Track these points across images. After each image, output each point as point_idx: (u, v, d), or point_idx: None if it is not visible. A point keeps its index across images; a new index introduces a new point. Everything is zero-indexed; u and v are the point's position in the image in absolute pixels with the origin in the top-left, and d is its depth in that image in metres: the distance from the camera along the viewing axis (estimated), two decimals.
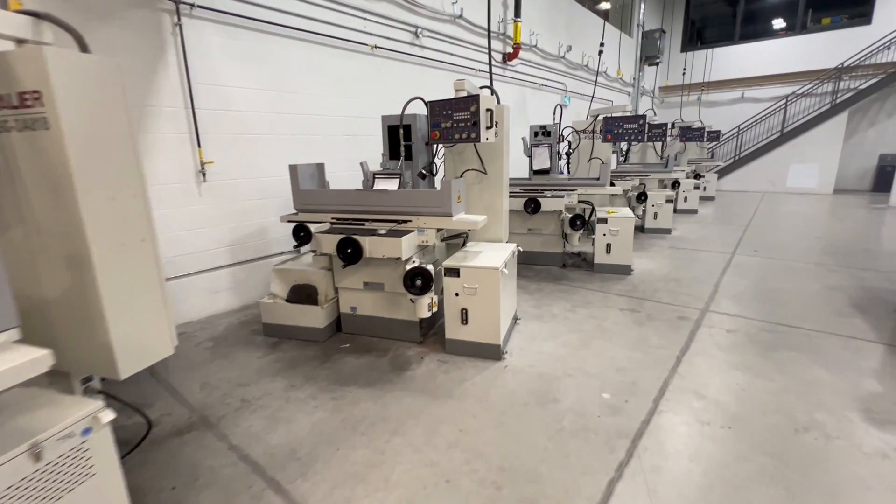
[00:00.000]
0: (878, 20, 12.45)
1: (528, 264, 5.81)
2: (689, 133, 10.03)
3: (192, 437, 2.46)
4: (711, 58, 14.90)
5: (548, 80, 9.25)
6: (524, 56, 8.35)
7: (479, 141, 3.00)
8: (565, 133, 6.05)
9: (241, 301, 4.51)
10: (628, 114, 5.26)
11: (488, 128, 3.04)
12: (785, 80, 13.89)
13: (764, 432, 2.38)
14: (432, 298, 3.20)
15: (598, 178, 5.48)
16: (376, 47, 5.47)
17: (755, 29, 14.73)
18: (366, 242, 3.22)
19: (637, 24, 13.26)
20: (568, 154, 5.91)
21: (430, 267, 3.09)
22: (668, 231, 7.63)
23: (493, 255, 3.36)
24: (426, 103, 3.22)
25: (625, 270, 5.29)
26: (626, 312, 4.12)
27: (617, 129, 5.24)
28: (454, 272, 3.16)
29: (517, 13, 7.64)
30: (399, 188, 3.48)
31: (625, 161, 8.68)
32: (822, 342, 3.43)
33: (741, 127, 14.54)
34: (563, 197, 5.29)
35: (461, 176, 3.76)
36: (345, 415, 2.63)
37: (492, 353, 3.24)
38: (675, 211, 9.83)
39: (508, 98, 8.12)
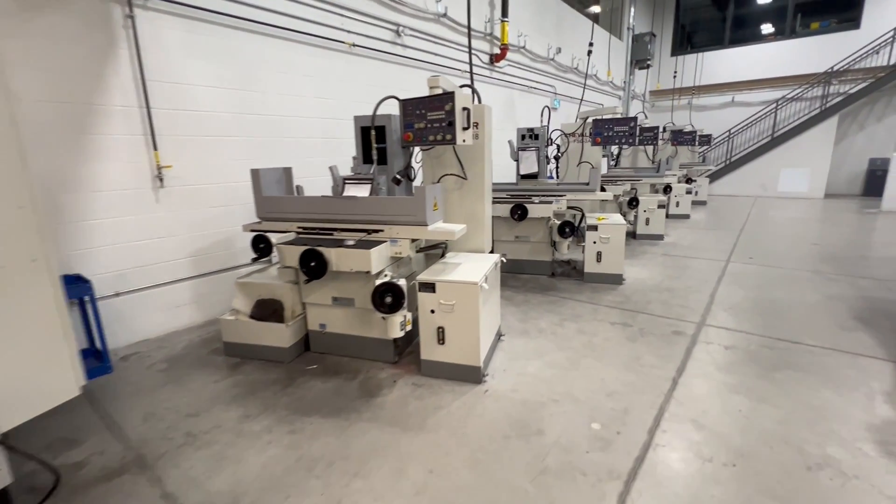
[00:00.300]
0: (867, 25, 12.45)
1: (514, 273, 5.54)
2: (681, 137, 9.86)
3: (120, 482, 2.14)
4: (702, 62, 14.83)
5: (537, 82, 9.03)
6: (512, 58, 8.13)
7: (454, 143, 2.72)
8: (554, 136, 5.80)
9: (204, 316, 4.17)
10: (619, 116, 5.03)
11: (465, 128, 2.77)
12: (775, 85, 13.84)
13: (773, 470, 2.11)
14: (405, 316, 2.90)
15: (587, 184, 5.23)
16: (354, 45, 5.19)
17: (745, 33, 14.70)
18: (332, 254, 2.93)
19: (627, 27, 13.14)
20: (556, 158, 5.66)
21: (401, 282, 2.80)
22: (660, 237, 7.41)
23: (473, 268, 3.08)
24: (399, 102, 2.95)
25: (616, 280, 5.04)
26: (618, 326, 3.85)
27: (607, 131, 5.01)
28: (429, 287, 2.87)
29: (504, 13, 7.41)
30: (371, 195, 3.19)
31: (616, 165, 8.47)
32: (827, 360, 3.19)
33: (732, 131, 14.47)
34: (551, 203, 5.03)
35: (439, 181, 3.49)
36: (301, 452, 2.32)
37: (471, 375, 2.95)
38: (668, 216, 9.68)
39: (496, 100, 7.89)
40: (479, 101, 3.47)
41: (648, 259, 6.14)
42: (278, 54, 4.51)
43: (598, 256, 5.02)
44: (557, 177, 6.14)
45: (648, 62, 13.69)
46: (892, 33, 11.82)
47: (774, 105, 13.65)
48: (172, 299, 3.99)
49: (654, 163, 7.66)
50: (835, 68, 12.68)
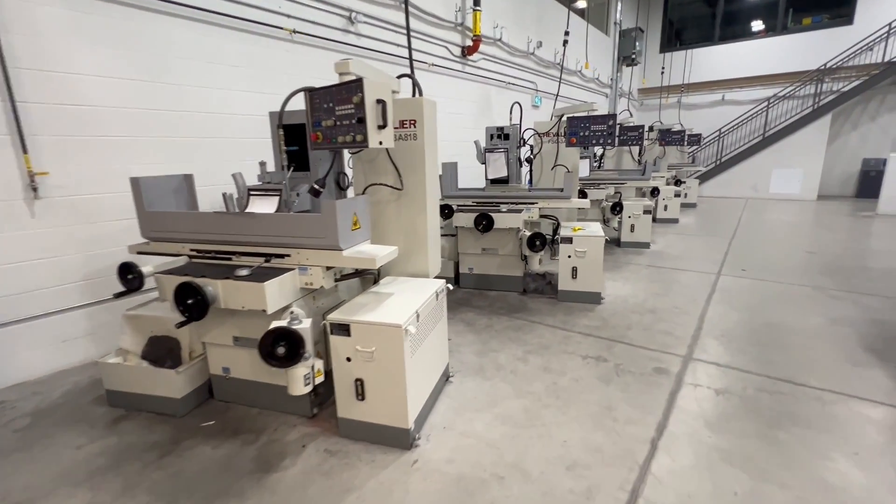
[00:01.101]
0: (860, 20, 12.02)
1: (482, 290, 4.94)
2: (669, 136, 9.33)
3: None
4: (691, 59, 14.35)
5: (516, 78, 8.43)
6: (487, 51, 7.52)
7: (366, 145, 2.10)
8: (527, 136, 5.20)
9: (102, 349, 3.51)
10: (596, 113, 4.46)
11: (381, 127, 2.15)
12: (766, 82, 13.39)
13: None
14: (313, 367, 2.28)
15: (562, 189, 4.64)
16: (295, 32, 4.54)
17: (735, 30, 14.24)
18: (218, 288, 2.29)
19: (614, 21, 12.58)
20: (529, 161, 5.07)
21: (302, 324, 2.17)
22: (646, 245, 6.85)
23: (404, 301, 2.46)
24: (305, 94, 2.31)
25: (593, 298, 4.45)
26: (591, 362, 3.26)
27: (583, 130, 4.42)
28: (343, 329, 2.25)
29: (476, 2, 6.79)
30: (280, 209, 2.56)
31: (599, 167, 7.91)
32: (839, 410, 2.62)
33: (722, 130, 14.00)
34: (520, 212, 4.43)
35: (364, 192, 2.87)
36: None
37: (398, 439, 2.33)
38: (655, 220, 9.13)
39: (468, 96, 7.28)
40: (420, 94, 2.86)
41: (632, 272, 5.57)
42: (197, 40, 3.85)
43: (574, 272, 4.43)
44: (532, 181, 5.54)
45: (636, 58, 13.16)
46: (886, 29, 11.39)
47: (766, 103, 13.20)
48: (61, 332, 3.32)
49: (640, 164, 7.10)
50: (827, 65, 12.24)
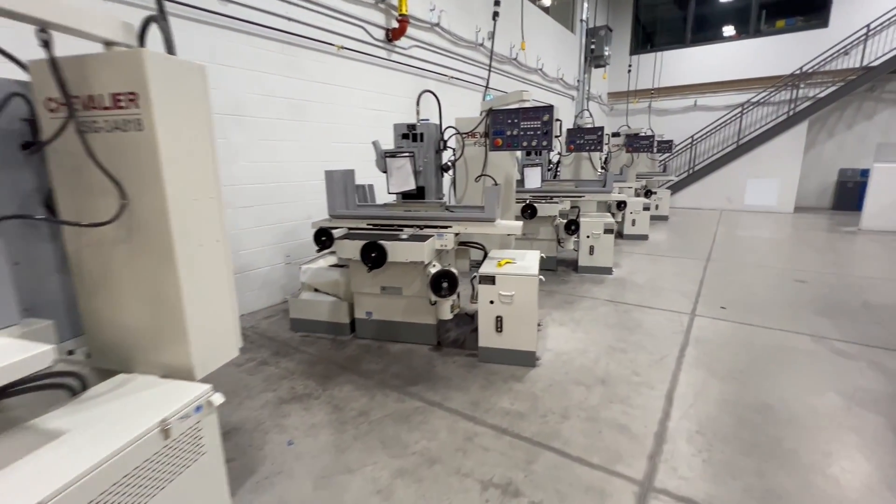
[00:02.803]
0: (835, 23, 11.37)
1: (384, 341, 3.66)
2: (637, 142, 8.29)
3: None
4: (661, 62, 13.53)
5: (461, 72, 7.25)
6: (422, 37, 6.30)
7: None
8: (446, 136, 3.96)
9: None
10: (529, 104, 3.25)
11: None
12: (740, 87, 12.65)
13: None
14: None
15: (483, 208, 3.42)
16: None
17: (707, 32, 13.50)
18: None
19: (580, 19, 11.59)
20: (444, 168, 3.81)
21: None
22: (607, 271, 5.71)
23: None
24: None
25: (525, 360, 3.22)
26: (495, 494, 2.01)
27: (511, 128, 3.21)
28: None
29: None
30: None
31: (554, 177, 6.76)
32: None
33: (695, 137, 13.19)
34: (425, 241, 3.18)
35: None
36: None
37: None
38: (622, 237, 8.08)
39: (398, 91, 6.03)
40: (172, 50, 1.59)
41: (586, 310, 4.38)
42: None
43: (498, 323, 3.19)
44: (455, 195, 4.31)
45: (605, 59, 12.19)
46: (864, 32, 10.74)
47: (739, 109, 12.43)
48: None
49: (601, 173, 5.98)
50: (803, 70, 11.54)
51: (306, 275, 3.95)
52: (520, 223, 3.41)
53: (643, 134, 8.40)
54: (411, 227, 3.44)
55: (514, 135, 3.18)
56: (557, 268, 6.01)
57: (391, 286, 3.54)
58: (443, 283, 3.09)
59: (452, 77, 7.02)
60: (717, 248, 7.20)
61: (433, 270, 3.16)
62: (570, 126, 10.22)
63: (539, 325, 3.93)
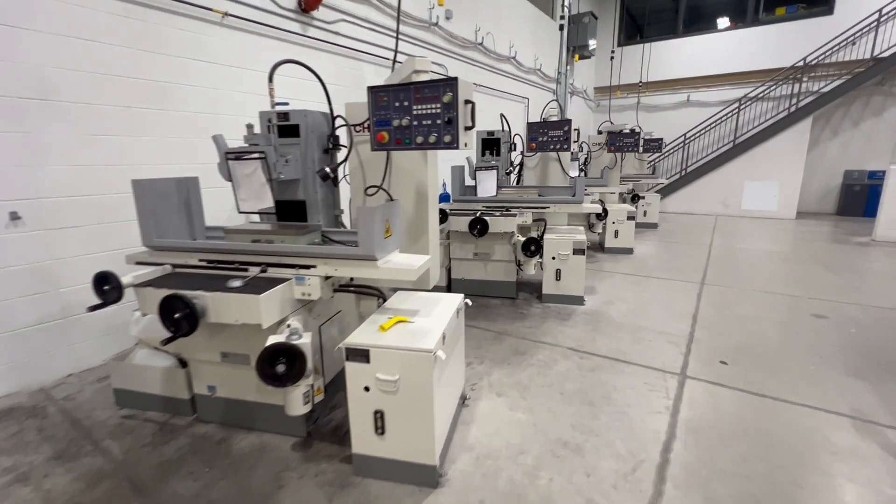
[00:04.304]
0: (841, 10, 10.31)
1: (234, 427, 2.48)
2: (620, 140, 7.16)
3: None
4: (651, 53, 12.41)
5: (411, 56, 6.06)
6: (352, 10, 5.12)
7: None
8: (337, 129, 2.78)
9: None
10: (426, 77, 2.09)
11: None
12: (736, 81, 11.58)
13: None
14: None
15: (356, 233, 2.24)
16: None
17: (700, 22, 12.41)
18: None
19: (562, 3, 10.43)
20: (323, 176, 2.61)
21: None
22: (578, 300, 4.57)
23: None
24: None
25: (419, 477, 2.04)
26: None
27: (400, 116, 2.02)
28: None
29: None
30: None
31: (517, 183, 5.62)
32: None
33: (687, 136, 12.10)
34: (260, 294, 2.00)
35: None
36: None
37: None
38: (604, 250, 6.95)
39: (322, 71, 4.82)
40: None
41: (538, 370, 3.21)
42: None
43: (378, 422, 2.02)
44: (352, 214, 3.11)
45: (589, 49, 11.03)
46: (874, 19, 9.67)
47: (736, 105, 11.35)
48: None
49: (572, 179, 4.83)
50: (806, 61, 10.46)
51: (139, 325, 2.76)
52: (424, 261, 2.24)
53: (626, 131, 7.25)
54: (261, 264, 2.26)
55: (404, 125, 2.02)
56: (518, 295, 4.87)
57: (234, 353, 2.37)
58: (277, 365, 1.91)
59: (398, 62, 5.83)
60: (713, 266, 6.08)
61: (273, 340, 1.99)
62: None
63: (465, 400, 2.77)
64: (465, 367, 3.22)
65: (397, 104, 2.07)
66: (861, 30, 9.93)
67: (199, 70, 3.73)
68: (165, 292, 2.01)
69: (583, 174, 8.06)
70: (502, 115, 5.09)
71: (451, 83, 1.92)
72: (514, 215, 4.50)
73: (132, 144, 3.36)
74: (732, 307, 4.48)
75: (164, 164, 3.55)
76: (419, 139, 2.04)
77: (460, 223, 4.50)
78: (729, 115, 11.52)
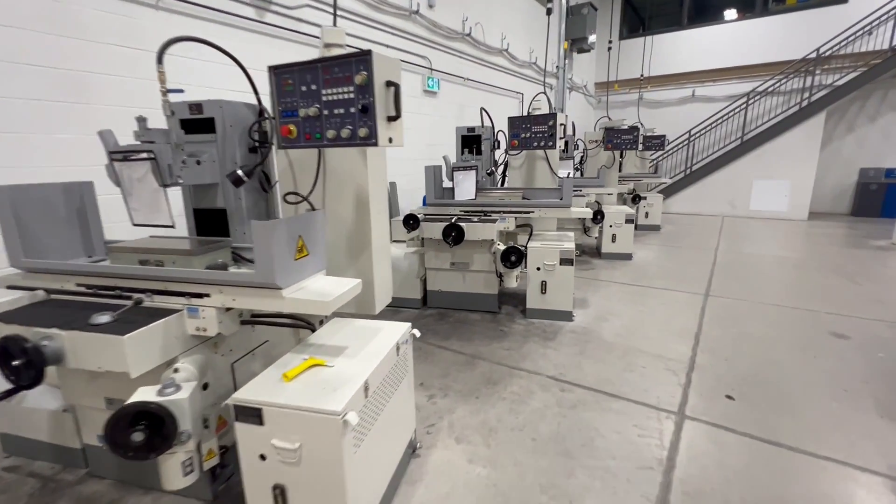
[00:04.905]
0: None
1: (131, 486, 2.03)
2: (617, 137, 6.64)
3: None
4: (654, 46, 11.85)
5: (389, 46, 5.60)
6: None
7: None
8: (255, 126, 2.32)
9: None
10: (333, 53, 1.62)
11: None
12: (745, 75, 10.99)
13: None
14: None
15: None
16: None
17: (707, 13, 11.83)
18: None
19: None
20: (235, 181, 2.15)
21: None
22: (566, 316, 4.09)
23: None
24: None
25: None
26: None
27: (304, 102, 1.56)
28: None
29: None
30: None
31: (501, 184, 5.14)
32: None
33: (692, 133, 11.53)
34: (124, 334, 1.54)
35: None
36: None
37: None
38: (601, 256, 6.46)
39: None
40: None
41: (510, 406, 2.73)
42: None
43: (279, 502, 1.56)
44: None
45: (588, 42, 10.50)
46: (893, 6, 9.06)
47: (744, 100, 10.77)
48: None
49: (560, 179, 4.34)
50: (819, 53, 9.87)
51: None
52: (351, 286, 1.77)
53: (624, 127, 6.73)
54: (144, 291, 1.80)
55: (312, 116, 1.55)
56: (501, 308, 4.39)
57: (120, 399, 1.92)
58: (133, 435, 1.45)
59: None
60: (718, 274, 5.57)
61: (139, 396, 1.53)
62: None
63: (415, 449, 2.29)
64: (427, 400, 2.75)
65: (304, 88, 1.60)
66: (878, 19, 9.32)
67: (129, 58, 3.28)
68: (4, 330, 1.56)
69: (578, 174, 7.57)
70: (483, 110, 4.60)
71: (363, 58, 1.44)
72: (495, 221, 4.03)
73: (42, 143, 2.91)
74: (740, 324, 3.97)
75: (86, 167, 3.10)
76: (330, 133, 1.57)
77: (434, 230, 4.03)
78: (737, 110, 10.93)
